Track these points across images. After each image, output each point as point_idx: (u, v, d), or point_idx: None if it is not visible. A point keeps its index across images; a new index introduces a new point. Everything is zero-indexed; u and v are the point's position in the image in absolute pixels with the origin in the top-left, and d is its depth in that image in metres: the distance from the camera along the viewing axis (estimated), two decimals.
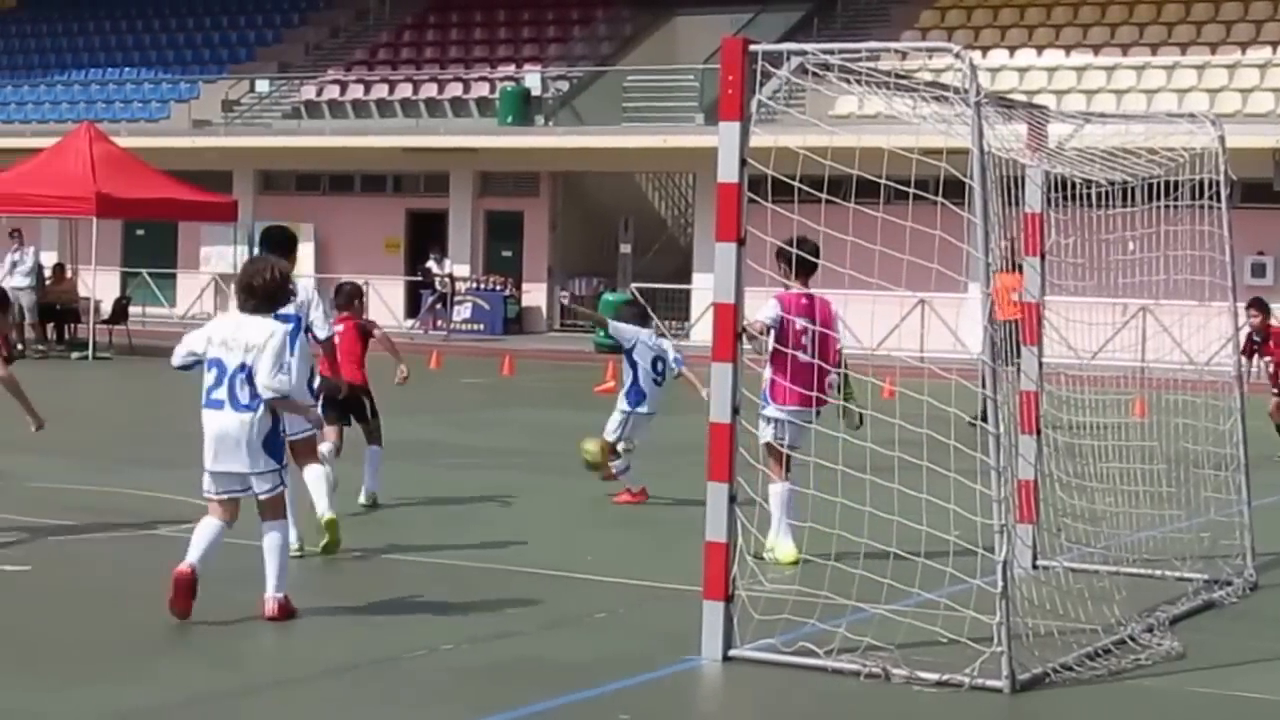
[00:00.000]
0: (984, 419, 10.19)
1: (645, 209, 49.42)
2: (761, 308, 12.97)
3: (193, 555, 11.20)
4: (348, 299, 16.31)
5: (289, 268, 11.89)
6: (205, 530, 11.30)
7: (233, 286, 11.79)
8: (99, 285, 37.01)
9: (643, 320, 17.20)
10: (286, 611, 11.25)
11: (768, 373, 13.32)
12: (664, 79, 47.38)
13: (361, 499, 15.98)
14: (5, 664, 10.19)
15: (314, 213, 48.89)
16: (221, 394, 11.11)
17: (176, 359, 11.46)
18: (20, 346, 34.87)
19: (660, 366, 16.73)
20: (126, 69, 56.33)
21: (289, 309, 12.65)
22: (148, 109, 53.29)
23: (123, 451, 19.60)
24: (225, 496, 11.28)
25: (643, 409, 16.63)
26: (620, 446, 16.67)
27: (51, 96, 55.54)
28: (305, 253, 47.91)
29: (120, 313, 38.49)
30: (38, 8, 60.26)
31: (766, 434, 13.30)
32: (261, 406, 11.11)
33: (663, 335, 17.49)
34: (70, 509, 15.33)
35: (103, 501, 15.91)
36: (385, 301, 47.29)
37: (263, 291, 11.30)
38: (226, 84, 53.26)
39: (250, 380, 11.06)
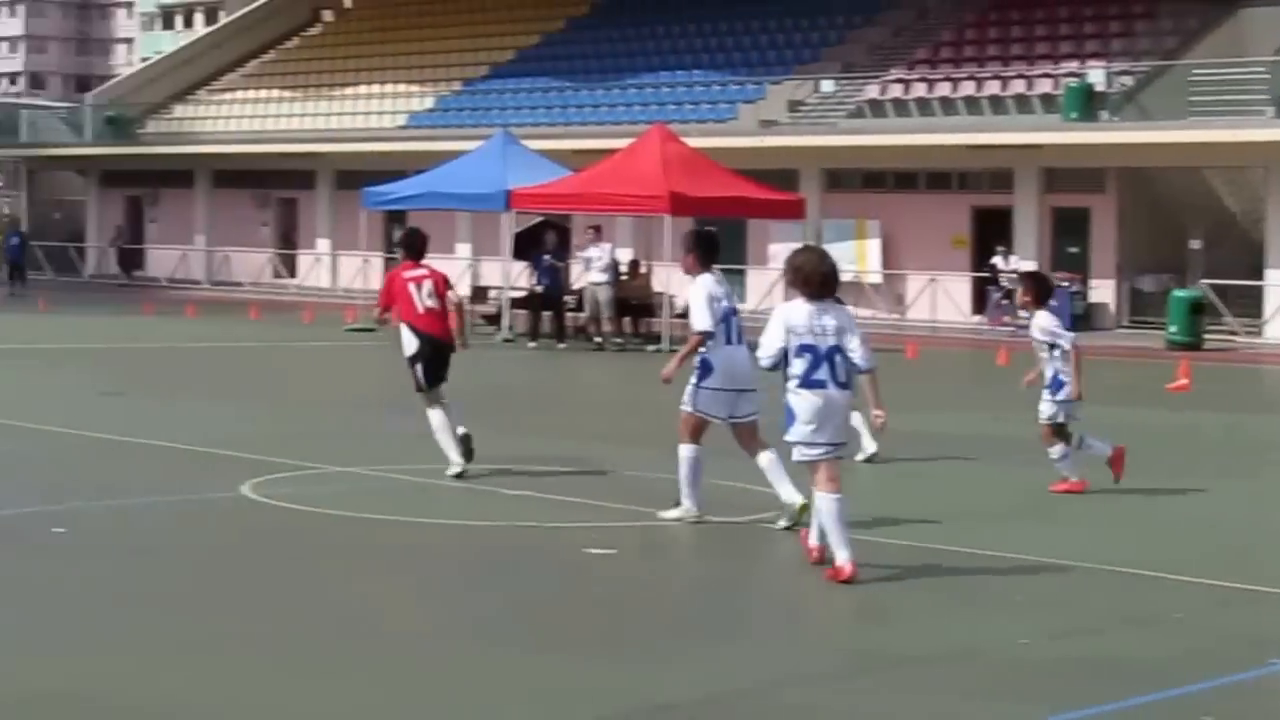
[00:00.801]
0: None
1: (1214, 204, 48.38)
2: None
3: (842, 554, 12.19)
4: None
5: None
6: (830, 512, 12.21)
7: (792, 277, 12.62)
8: (672, 281, 38.06)
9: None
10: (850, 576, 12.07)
11: None
12: (1231, 72, 46.26)
13: None
14: (588, 644, 10.70)
15: (880, 210, 49.40)
16: (823, 374, 12.16)
17: (768, 360, 12.34)
18: (599, 340, 36.25)
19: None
20: (695, 72, 57.74)
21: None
22: (716, 110, 54.49)
23: (708, 442, 20.04)
24: (827, 459, 12.21)
25: (1061, 397, 16.46)
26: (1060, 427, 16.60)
27: (625, 99, 57.31)
28: (872, 249, 48.64)
29: None
30: (611, 14, 62.32)
31: None
32: (853, 386, 12.22)
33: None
34: (658, 498, 15.68)
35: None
36: (951, 297, 47.50)
37: (833, 280, 12.38)
38: (792, 84, 54.16)
39: (845, 360, 12.14)
